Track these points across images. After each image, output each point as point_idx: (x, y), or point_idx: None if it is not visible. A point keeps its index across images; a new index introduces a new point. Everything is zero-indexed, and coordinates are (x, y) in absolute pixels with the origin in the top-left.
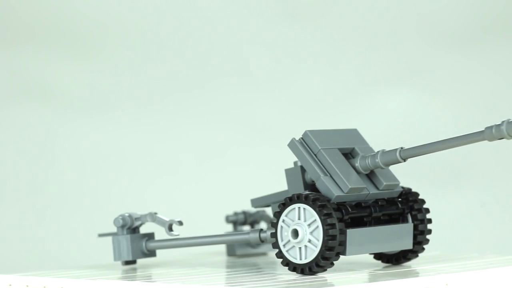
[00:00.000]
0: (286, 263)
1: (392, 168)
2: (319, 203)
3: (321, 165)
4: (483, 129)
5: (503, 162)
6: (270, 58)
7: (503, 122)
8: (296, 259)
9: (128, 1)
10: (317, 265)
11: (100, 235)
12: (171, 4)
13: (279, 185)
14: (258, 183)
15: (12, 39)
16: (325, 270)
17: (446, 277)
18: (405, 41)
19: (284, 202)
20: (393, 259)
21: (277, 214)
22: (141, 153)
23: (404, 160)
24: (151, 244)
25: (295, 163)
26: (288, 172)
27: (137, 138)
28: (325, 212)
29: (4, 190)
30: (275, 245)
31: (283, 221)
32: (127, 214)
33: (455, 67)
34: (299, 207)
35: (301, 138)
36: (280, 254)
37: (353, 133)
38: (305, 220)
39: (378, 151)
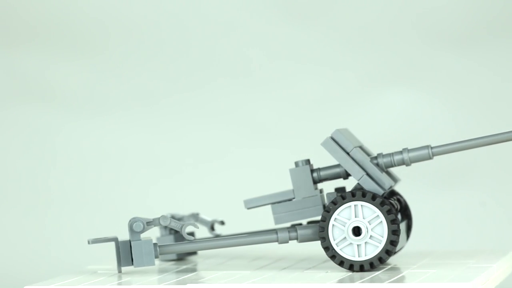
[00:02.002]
0: (341, 261)
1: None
2: (380, 200)
3: (357, 163)
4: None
5: (502, 162)
6: (270, 59)
7: None
8: (354, 256)
9: (129, 1)
10: (380, 260)
11: (94, 241)
12: (172, 5)
13: (280, 185)
14: (259, 183)
15: (13, 39)
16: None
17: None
18: (404, 41)
19: (335, 201)
20: None
21: (327, 213)
22: (142, 153)
23: (432, 157)
24: (170, 248)
25: (296, 163)
26: (293, 172)
27: (138, 138)
28: (388, 208)
29: (5, 191)
30: (325, 244)
31: (335, 219)
32: (138, 218)
33: (454, 67)
34: (355, 205)
35: (331, 137)
36: (332, 253)
37: (351, 133)
38: (364, 217)
39: (403, 149)
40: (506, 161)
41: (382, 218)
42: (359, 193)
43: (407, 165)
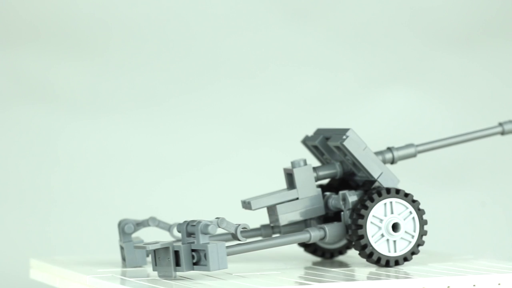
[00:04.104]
0: (378, 258)
1: (392, 167)
2: (412, 197)
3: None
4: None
5: (501, 163)
6: (271, 61)
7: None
8: (389, 252)
9: (132, 2)
10: (413, 254)
11: (153, 246)
12: (174, 7)
13: (281, 185)
14: (261, 184)
15: (15, 40)
16: None
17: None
18: (402, 42)
19: (371, 198)
20: (329, 253)
21: (365, 211)
22: (144, 154)
23: (416, 155)
24: (236, 249)
25: (293, 162)
26: (297, 171)
27: (141, 139)
28: (419, 204)
29: (7, 191)
30: (364, 241)
31: (373, 216)
32: (207, 221)
33: (452, 68)
34: (390, 202)
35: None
36: (370, 250)
37: None
38: (399, 214)
39: (390, 147)
40: (505, 161)
41: (414, 214)
42: (393, 190)
43: (394, 163)
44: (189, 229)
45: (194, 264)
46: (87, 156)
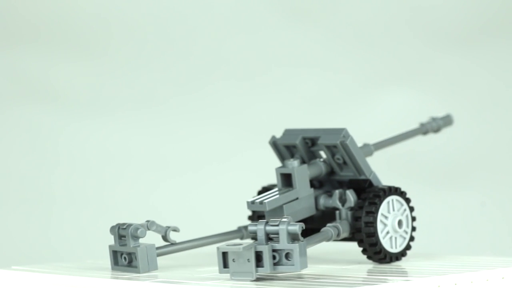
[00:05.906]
0: (385, 255)
1: (390, 168)
2: (405, 194)
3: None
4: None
5: (500, 163)
6: (270, 61)
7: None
8: (391, 248)
9: (133, 2)
10: (407, 249)
11: (245, 248)
12: (175, 8)
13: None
14: (262, 185)
15: (15, 40)
16: None
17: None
18: (401, 42)
19: (378, 196)
20: None
21: (376, 209)
22: (145, 154)
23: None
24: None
25: (288, 163)
26: (297, 171)
27: (141, 139)
28: (410, 201)
29: (8, 191)
30: (375, 239)
31: (381, 214)
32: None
33: (451, 67)
34: (392, 200)
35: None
36: (380, 247)
37: None
38: (398, 211)
39: None
40: (504, 161)
41: (408, 211)
42: (393, 188)
43: None
44: (268, 230)
45: (275, 264)
46: (88, 156)
